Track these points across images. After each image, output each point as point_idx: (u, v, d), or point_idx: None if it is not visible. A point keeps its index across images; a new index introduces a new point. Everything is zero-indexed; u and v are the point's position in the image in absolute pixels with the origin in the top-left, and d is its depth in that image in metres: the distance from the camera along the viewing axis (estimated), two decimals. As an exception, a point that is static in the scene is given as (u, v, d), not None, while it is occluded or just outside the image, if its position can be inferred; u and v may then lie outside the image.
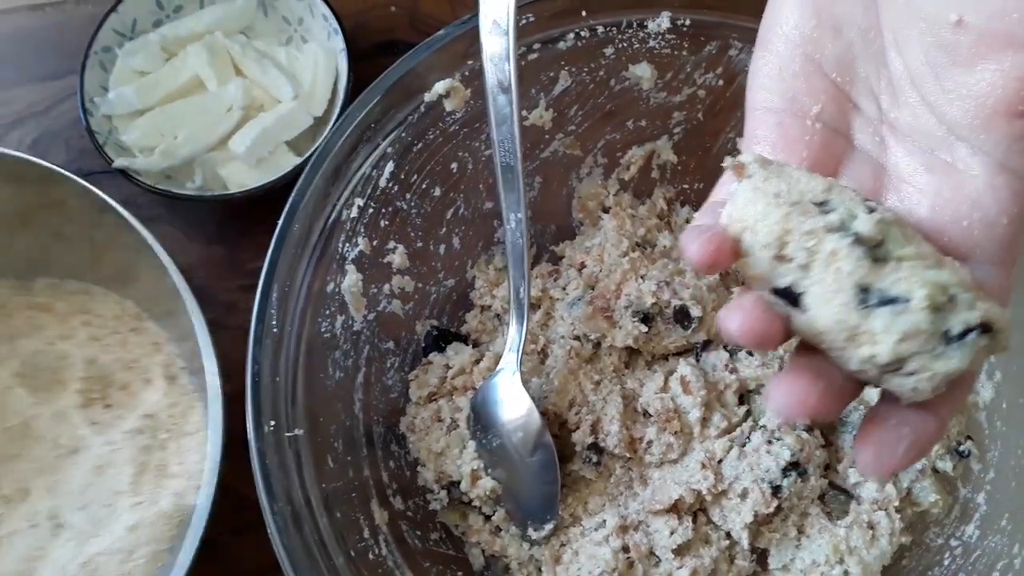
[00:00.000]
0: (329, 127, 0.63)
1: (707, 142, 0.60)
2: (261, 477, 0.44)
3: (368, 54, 0.70)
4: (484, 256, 0.62)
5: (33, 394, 0.57)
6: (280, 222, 0.49)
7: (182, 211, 0.68)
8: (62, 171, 0.53)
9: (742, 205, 0.32)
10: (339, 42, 0.64)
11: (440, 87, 0.52)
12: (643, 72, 0.56)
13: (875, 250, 0.30)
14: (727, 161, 0.34)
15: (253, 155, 0.62)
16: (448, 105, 0.53)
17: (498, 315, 0.61)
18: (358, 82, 0.64)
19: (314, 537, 0.45)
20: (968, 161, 0.31)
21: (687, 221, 0.63)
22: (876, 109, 0.34)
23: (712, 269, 0.32)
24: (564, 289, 0.59)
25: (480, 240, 0.62)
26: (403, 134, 0.53)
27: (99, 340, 0.59)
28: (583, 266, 0.60)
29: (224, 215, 0.68)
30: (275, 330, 0.48)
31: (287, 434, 0.47)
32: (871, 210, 0.31)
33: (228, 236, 0.67)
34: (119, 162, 0.61)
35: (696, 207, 0.63)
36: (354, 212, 0.52)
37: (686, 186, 0.63)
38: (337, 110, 0.64)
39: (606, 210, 0.62)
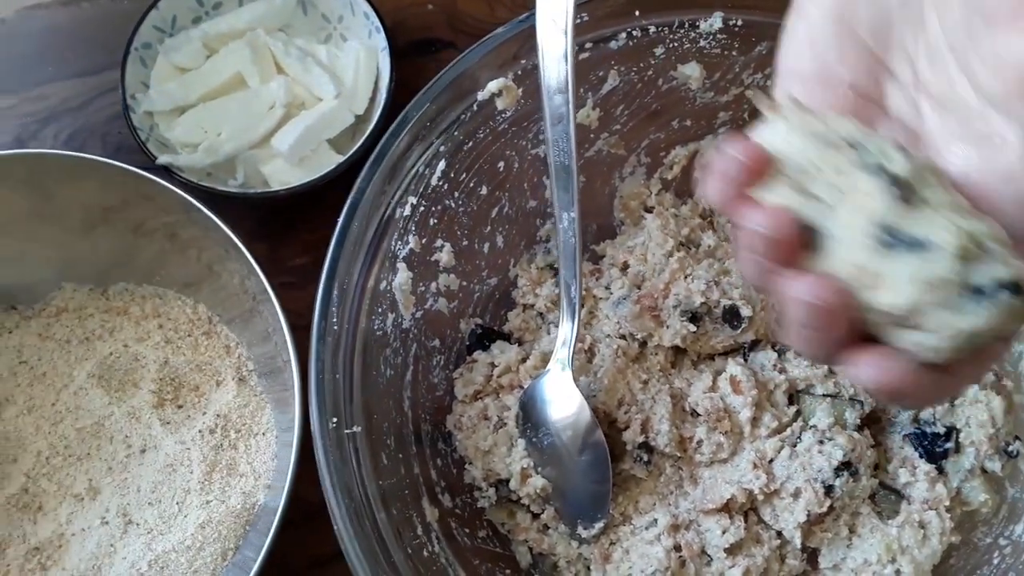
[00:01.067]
0: (372, 125, 0.63)
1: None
2: (328, 472, 0.44)
3: (405, 52, 0.70)
4: (526, 255, 0.62)
5: (107, 394, 0.58)
6: (340, 219, 0.49)
7: (222, 209, 0.67)
8: (149, 175, 0.54)
9: (772, 134, 0.30)
10: (381, 40, 0.64)
11: (493, 86, 0.52)
12: (692, 72, 0.56)
13: (907, 193, 0.28)
14: (755, 96, 0.32)
15: (296, 153, 0.62)
16: (499, 104, 0.53)
17: (541, 314, 0.61)
18: (396, 80, 0.64)
19: (374, 533, 0.45)
20: (1004, 132, 0.29)
21: (727, 222, 0.63)
22: (911, 75, 0.32)
23: (740, 184, 0.30)
24: (607, 288, 0.59)
25: (523, 239, 0.62)
26: (456, 132, 0.53)
27: (172, 343, 0.60)
28: (626, 265, 0.60)
29: (264, 213, 0.68)
30: (335, 327, 0.48)
31: (346, 431, 0.47)
32: (907, 155, 0.29)
33: (268, 234, 0.67)
34: (163, 159, 0.61)
35: (738, 207, 0.63)
36: (407, 210, 0.52)
37: (728, 186, 0.63)
38: (379, 108, 0.64)
39: (648, 209, 0.62)
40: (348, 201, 0.49)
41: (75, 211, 0.57)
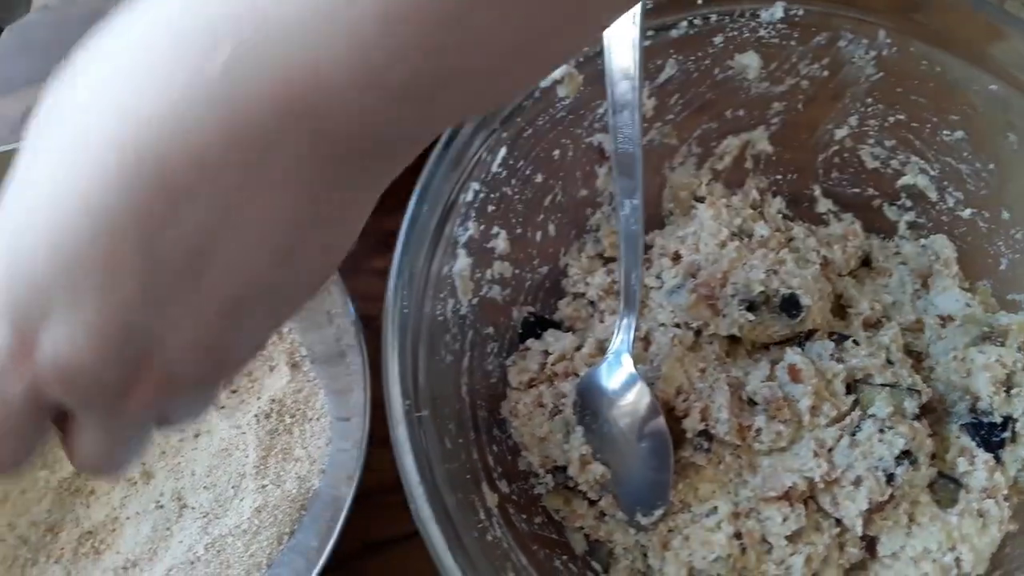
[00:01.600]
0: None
1: (804, 133, 0.61)
2: (407, 453, 0.44)
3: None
4: (576, 244, 0.62)
5: None
6: (412, 203, 0.49)
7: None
8: None
9: None
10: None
11: (556, 73, 0.52)
12: (750, 61, 0.56)
13: None
14: None
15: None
16: (561, 91, 0.53)
17: (592, 302, 0.61)
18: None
19: (445, 516, 0.45)
20: None
21: (778, 212, 0.63)
22: None
23: None
24: (658, 277, 0.59)
25: (573, 228, 0.62)
26: (518, 119, 0.53)
27: None
28: (677, 255, 0.60)
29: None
30: (405, 311, 0.48)
31: (416, 415, 0.47)
32: None
33: (315, 222, 0.67)
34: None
35: (789, 198, 0.63)
36: (469, 196, 0.52)
37: (779, 177, 0.63)
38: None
39: (698, 199, 0.63)
40: (419, 184, 0.49)
41: None
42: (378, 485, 0.62)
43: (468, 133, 0.50)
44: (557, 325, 0.61)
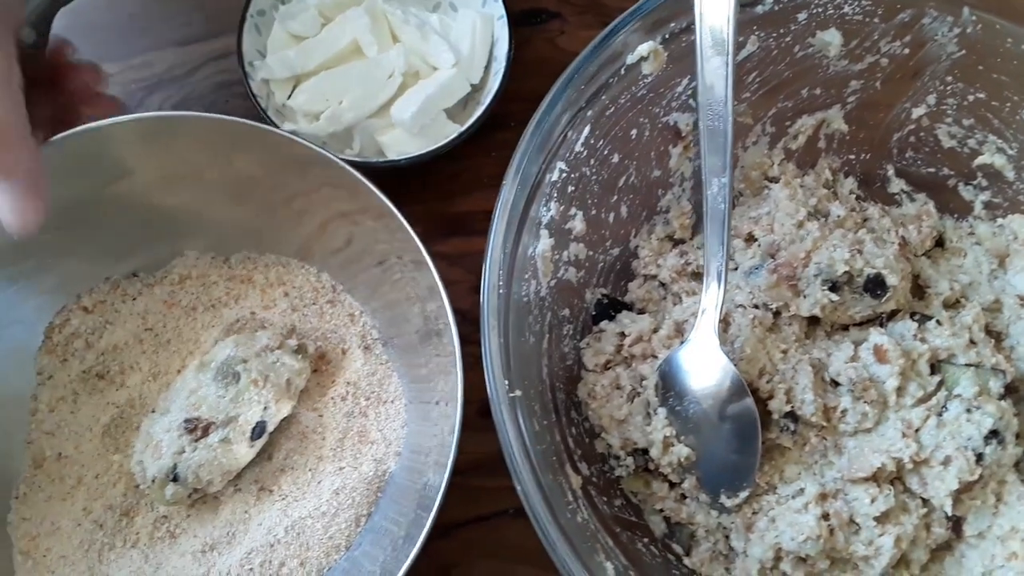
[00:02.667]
0: (489, 95, 0.63)
1: (880, 112, 0.60)
2: (509, 434, 0.44)
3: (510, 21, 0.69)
4: (647, 226, 0.62)
5: None
6: (504, 184, 0.48)
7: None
8: (318, 148, 0.52)
9: None
10: (498, 8, 0.64)
11: (643, 48, 0.51)
12: (831, 39, 0.55)
13: None
14: None
15: (417, 122, 0.61)
16: (645, 68, 0.53)
17: (663, 284, 0.61)
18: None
19: (544, 495, 0.45)
20: None
21: (851, 192, 0.62)
22: None
23: None
24: (731, 258, 0.59)
25: (645, 209, 0.61)
26: (603, 97, 0.52)
27: (298, 310, 0.59)
28: (751, 236, 0.59)
29: (374, 184, 0.67)
30: (501, 291, 0.47)
31: (510, 395, 0.46)
32: None
33: (378, 205, 0.67)
34: (286, 127, 0.60)
35: (862, 179, 0.62)
36: (555, 175, 0.52)
37: (852, 157, 0.62)
38: (495, 77, 0.63)
39: (769, 179, 0.62)
40: (513, 164, 0.48)
41: (230, 179, 0.56)
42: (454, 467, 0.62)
43: (558, 111, 0.50)
44: (628, 307, 0.61)
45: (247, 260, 0.60)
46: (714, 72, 0.48)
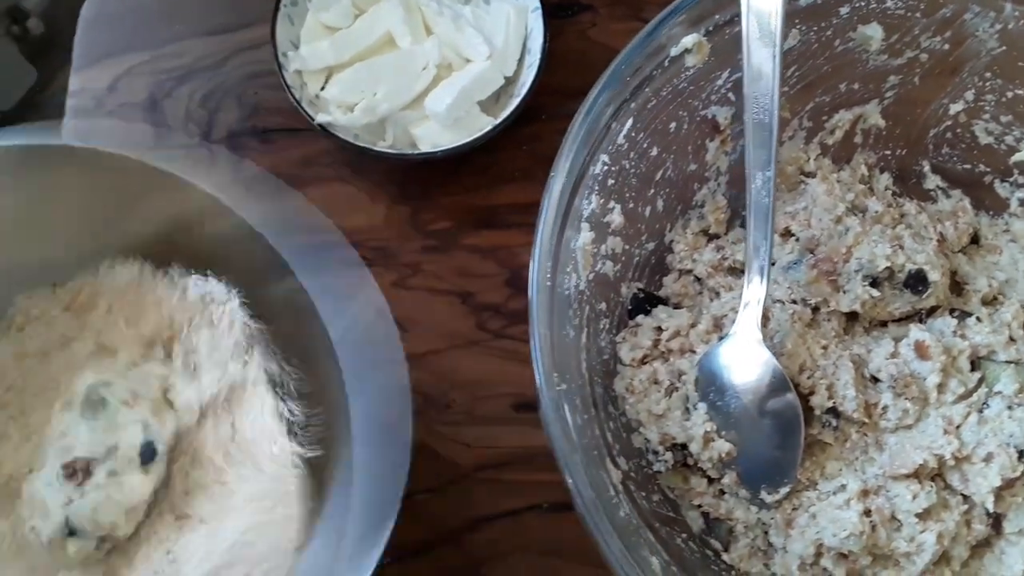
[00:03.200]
0: (524, 87, 0.62)
1: (917, 108, 0.60)
2: (558, 427, 0.44)
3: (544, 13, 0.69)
4: (681, 220, 0.61)
5: None
6: (552, 175, 0.48)
7: (365, 172, 0.67)
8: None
9: None
10: (532, 0, 0.63)
11: (688, 40, 0.51)
12: (873, 33, 0.55)
13: None
14: None
15: (451, 115, 0.61)
16: (689, 60, 0.52)
17: (699, 279, 0.60)
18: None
19: (593, 489, 0.45)
20: None
21: (886, 188, 0.62)
22: None
23: None
24: (770, 253, 0.59)
25: (680, 203, 0.61)
26: (646, 89, 0.52)
27: None
28: (787, 231, 0.59)
29: (405, 176, 0.67)
30: (548, 283, 0.47)
31: (558, 388, 0.46)
32: None
33: (410, 197, 0.67)
34: (321, 118, 0.60)
35: (897, 175, 0.62)
36: (598, 168, 0.51)
37: (887, 152, 0.62)
38: (528, 70, 0.63)
39: (805, 174, 0.62)
40: (561, 156, 0.48)
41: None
42: (485, 462, 0.62)
43: (603, 103, 0.49)
44: (664, 301, 0.60)
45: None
46: (761, 64, 0.48)
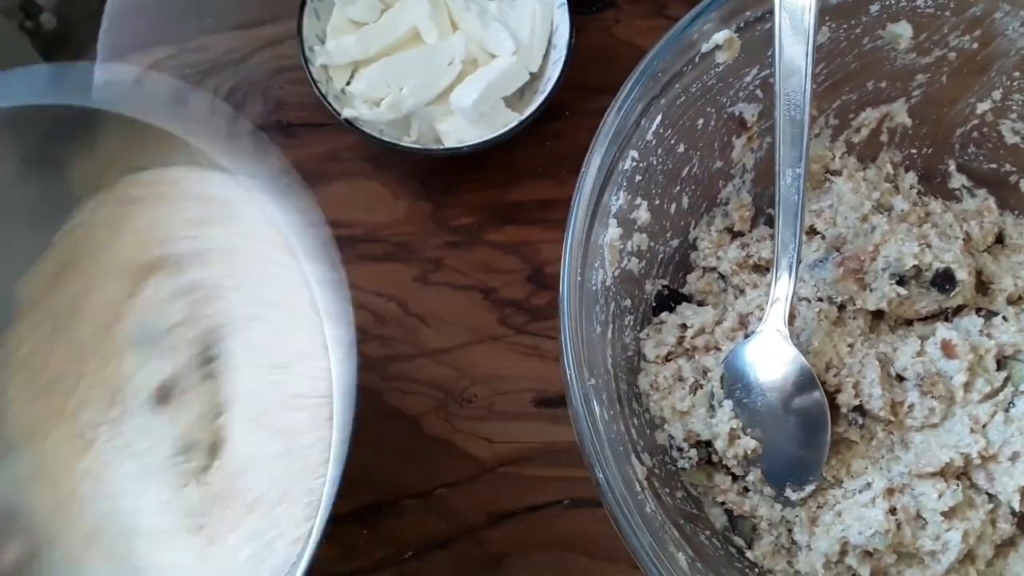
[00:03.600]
0: (550, 83, 0.62)
1: (944, 107, 0.59)
2: (588, 422, 0.44)
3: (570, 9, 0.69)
4: (706, 217, 0.61)
5: None
6: (584, 171, 0.48)
7: (387, 167, 0.67)
8: None
9: None
10: (559, -4, 0.63)
11: (719, 37, 0.51)
12: (903, 31, 0.55)
13: None
14: None
15: (477, 110, 0.61)
16: (720, 57, 0.52)
17: (723, 276, 0.60)
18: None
19: (624, 485, 0.45)
20: None
21: (912, 187, 0.62)
22: None
23: None
24: (796, 250, 0.59)
25: (705, 200, 0.61)
26: (676, 86, 0.52)
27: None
28: (812, 229, 0.59)
29: (428, 172, 0.67)
30: (579, 279, 0.47)
31: (589, 383, 0.46)
32: None
33: (433, 193, 0.67)
34: (347, 112, 0.60)
35: (922, 173, 0.62)
36: (627, 164, 0.51)
37: (913, 151, 0.62)
38: (558, 66, 0.63)
39: (830, 172, 0.62)
40: (592, 152, 0.48)
41: None
42: (505, 457, 0.63)
43: (634, 99, 0.49)
44: (688, 298, 0.60)
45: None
46: (793, 61, 0.48)
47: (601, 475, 0.43)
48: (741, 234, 0.62)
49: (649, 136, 0.53)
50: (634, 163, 0.52)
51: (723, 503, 0.55)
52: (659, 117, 0.52)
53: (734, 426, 0.53)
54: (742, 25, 0.52)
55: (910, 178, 0.62)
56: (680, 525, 0.52)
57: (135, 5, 0.71)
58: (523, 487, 0.62)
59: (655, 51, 0.49)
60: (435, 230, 0.66)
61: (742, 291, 0.59)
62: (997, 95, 0.58)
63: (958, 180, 0.62)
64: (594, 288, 0.52)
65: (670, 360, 0.57)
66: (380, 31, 0.63)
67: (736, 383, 0.53)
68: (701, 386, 0.55)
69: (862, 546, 0.50)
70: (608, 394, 0.52)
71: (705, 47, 0.51)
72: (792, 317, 0.56)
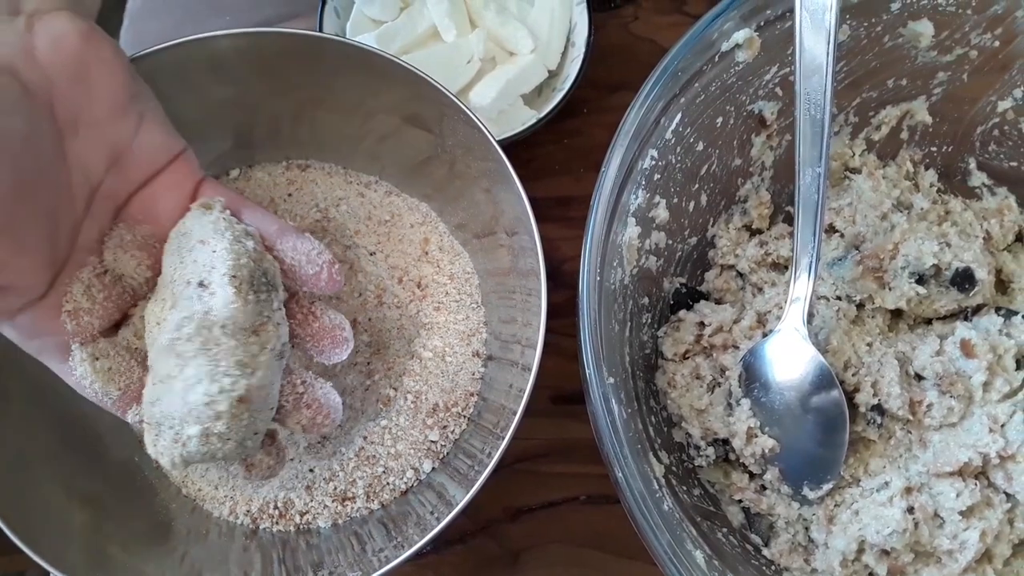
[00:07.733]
0: (568, 81, 0.62)
1: (965, 105, 0.59)
2: (606, 420, 0.44)
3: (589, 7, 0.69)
4: (724, 215, 0.61)
5: None
6: (604, 170, 0.48)
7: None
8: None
9: None
10: (578, -6, 0.64)
11: (740, 36, 0.51)
12: (924, 29, 0.55)
13: None
14: None
15: (496, 107, 0.61)
16: (740, 56, 0.52)
17: (741, 274, 0.60)
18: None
19: (642, 482, 0.45)
20: None
21: (931, 185, 0.62)
22: None
23: None
24: (815, 249, 0.58)
25: (723, 199, 0.61)
26: (695, 84, 0.52)
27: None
28: (832, 227, 0.59)
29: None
30: (598, 278, 0.47)
31: (608, 381, 0.46)
32: None
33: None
34: (367, 109, 0.60)
35: (942, 171, 0.62)
36: (647, 162, 0.51)
37: (933, 149, 0.62)
38: (576, 64, 0.63)
39: (849, 170, 0.62)
40: (613, 151, 0.48)
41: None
42: (522, 453, 0.63)
43: (655, 98, 0.49)
44: (706, 296, 0.61)
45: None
46: (814, 59, 0.48)
47: (620, 473, 0.44)
48: (760, 232, 0.62)
49: (668, 135, 0.53)
50: (653, 162, 0.52)
51: (740, 501, 0.55)
52: (679, 116, 0.52)
53: (752, 424, 0.53)
54: (762, 23, 0.52)
55: (930, 176, 0.62)
56: (697, 522, 0.52)
57: (157, 4, 0.71)
58: (540, 483, 0.62)
59: (675, 50, 0.49)
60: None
61: (760, 289, 0.59)
62: (1018, 93, 0.58)
63: (978, 178, 0.62)
64: (612, 287, 0.52)
65: (688, 358, 0.57)
66: (399, 29, 0.63)
67: (754, 381, 0.53)
68: (719, 384, 0.56)
69: (879, 545, 0.50)
70: (626, 392, 0.52)
71: (725, 46, 0.51)
72: (811, 316, 0.56)
